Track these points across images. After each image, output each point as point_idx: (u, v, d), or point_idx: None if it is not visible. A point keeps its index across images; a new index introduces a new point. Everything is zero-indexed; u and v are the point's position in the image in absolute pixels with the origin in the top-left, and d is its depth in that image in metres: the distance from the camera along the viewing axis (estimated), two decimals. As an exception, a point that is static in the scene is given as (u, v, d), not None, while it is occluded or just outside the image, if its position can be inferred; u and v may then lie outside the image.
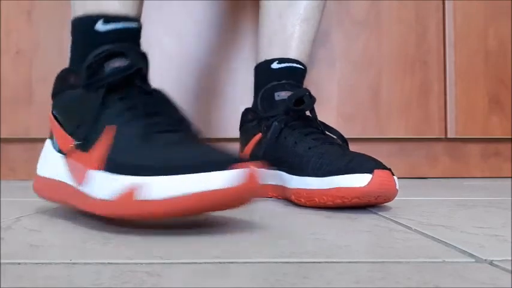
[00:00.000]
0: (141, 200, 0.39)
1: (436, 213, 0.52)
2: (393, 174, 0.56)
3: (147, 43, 0.57)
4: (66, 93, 0.51)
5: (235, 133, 0.80)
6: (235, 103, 1.08)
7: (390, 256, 0.32)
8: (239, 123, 0.77)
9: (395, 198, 0.58)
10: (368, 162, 0.56)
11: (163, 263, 0.30)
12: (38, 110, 1.09)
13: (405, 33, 1.18)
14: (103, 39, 0.51)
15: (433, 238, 0.38)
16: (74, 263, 0.30)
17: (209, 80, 1.13)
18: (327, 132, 0.68)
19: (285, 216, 0.53)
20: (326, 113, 1.11)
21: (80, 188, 0.45)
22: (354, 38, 1.17)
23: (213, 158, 0.40)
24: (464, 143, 1.20)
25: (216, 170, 0.38)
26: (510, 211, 0.54)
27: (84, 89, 0.49)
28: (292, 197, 0.62)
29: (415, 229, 0.42)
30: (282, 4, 0.75)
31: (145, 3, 0.58)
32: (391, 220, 0.48)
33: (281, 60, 0.73)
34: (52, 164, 0.51)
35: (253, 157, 0.68)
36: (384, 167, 0.55)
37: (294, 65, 0.73)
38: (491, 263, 0.30)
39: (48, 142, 0.55)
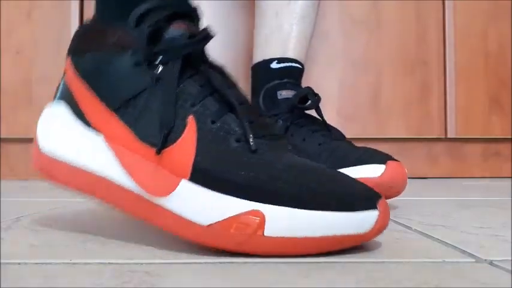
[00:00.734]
0: (269, 237, 0.31)
1: (436, 213, 0.52)
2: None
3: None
4: (108, 55, 0.38)
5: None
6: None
7: (390, 256, 0.32)
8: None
9: (395, 198, 0.58)
10: (380, 154, 0.58)
11: (163, 263, 0.30)
12: (38, 110, 1.09)
13: (405, 33, 1.18)
14: None
15: (433, 238, 0.38)
16: (74, 263, 0.30)
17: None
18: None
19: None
20: (326, 113, 1.11)
21: (157, 201, 0.34)
22: (354, 38, 1.17)
23: (358, 192, 0.33)
24: (464, 143, 1.20)
25: (366, 209, 0.32)
26: (510, 211, 0.54)
27: (140, 54, 0.37)
28: None
29: (415, 229, 0.42)
30: (278, 3, 0.76)
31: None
32: (391, 220, 0.48)
33: (280, 60, 0.74)
34: (78, 143, 0.38)
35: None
36: (395, 159, 0.57)
37: (293, 64, 0.74)
38: (491, 263, 0.30)
39: (60, 105, 0.41)
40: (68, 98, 0.40)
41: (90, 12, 0.40)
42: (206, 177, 0.33)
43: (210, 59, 0.40)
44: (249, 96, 0.77)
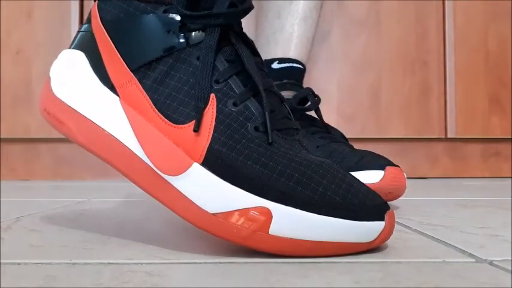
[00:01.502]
0: (273, 236, 0.30)
1: (436, 213, 0.52)
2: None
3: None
4: (136, 5, 0.35)
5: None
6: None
7: (390, 256, 0.32)
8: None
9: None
10: (379, 159, 0.57)
11: (163, 263, 0.30)
12: (38, 110, 1.09)
13: (405, 33, 1.18)
14: None
15: (433, 238, 0.38)
16: (74, 263, 0.30)
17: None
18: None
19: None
20: (326, 113, 1.11)
21: (167, 177, 0.32)
22: (354, 38, 1.17)
23: (369, 202, 0.32)
24: (464, 143, 1.20)
25: (374, 220, 0.31)
26: (510, 211, 0.54)
27: (174, 13, 0.34)
28: None
29: (415, 229, 0.42)
30: (280, 4, 0.76)
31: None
32: (391, 220, 0.48)
33: (281, 60, 0.74)
34: (94, 98, 0.36)
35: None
36: (394, 164, 0.56)
37: (294, 64, 0.74)
38: (491, 263, 0.30)
39: (78, 55, 0.37)
40: (89, 48, 0.37)
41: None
42: (218, 164, 0.31)
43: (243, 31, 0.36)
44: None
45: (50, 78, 0.38)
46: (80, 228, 0.43)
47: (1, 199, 0.68)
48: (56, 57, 0.39)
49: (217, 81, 0.33)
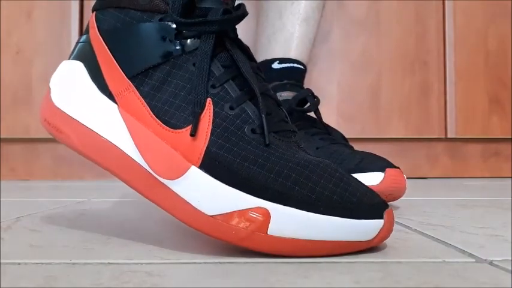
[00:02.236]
0: (272, 236, 0.31)
1: (436, 213, 0.52)
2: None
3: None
4: (132, 14, 0.36)
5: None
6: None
7: (390, 256, 0.32)
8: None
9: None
10: (379, 161, 0.57)
11: (163, 263, 0.30)
12: (38, 110, 1.09)
13: (405, 33, 1.18)
14: None
15: (433, 238, 0.38)
16: (74, 263, 0.30)
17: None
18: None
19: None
20: (325, 113, 1.11)
21: (165, 181, 0.33)
22: (354, 38, 1.17)
23: (367, 200, 0.32)
24: (464, 143, 1.20)
25: (373, 218, 0.32)
26: (510, 211, 0.54)
27: (170, 21, 0.35)
28: None
29: (415, 229, 0.42)
30: (281, 4, 0.75)
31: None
32: (391, 220, 0.48)
33: (282, 60, 0.74)
34: (92, 106, 0.36)
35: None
36: (394, 166, 0.56)
37: (295, 65, 0.74)
38: (491, 263, 0.30)
39: (77, 65, 0.38)
40: (88, 58, 0.37)
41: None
42: (216, 167, 0.32)
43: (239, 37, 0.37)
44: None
45: (50, 89, 0.39)
46: (80, 228, 0.43)
47: (1, 199, 0.68)
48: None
49: (213, 86, 0.34)
